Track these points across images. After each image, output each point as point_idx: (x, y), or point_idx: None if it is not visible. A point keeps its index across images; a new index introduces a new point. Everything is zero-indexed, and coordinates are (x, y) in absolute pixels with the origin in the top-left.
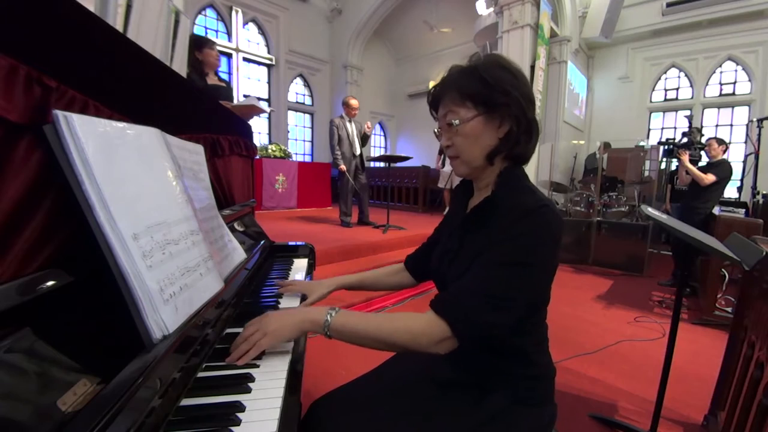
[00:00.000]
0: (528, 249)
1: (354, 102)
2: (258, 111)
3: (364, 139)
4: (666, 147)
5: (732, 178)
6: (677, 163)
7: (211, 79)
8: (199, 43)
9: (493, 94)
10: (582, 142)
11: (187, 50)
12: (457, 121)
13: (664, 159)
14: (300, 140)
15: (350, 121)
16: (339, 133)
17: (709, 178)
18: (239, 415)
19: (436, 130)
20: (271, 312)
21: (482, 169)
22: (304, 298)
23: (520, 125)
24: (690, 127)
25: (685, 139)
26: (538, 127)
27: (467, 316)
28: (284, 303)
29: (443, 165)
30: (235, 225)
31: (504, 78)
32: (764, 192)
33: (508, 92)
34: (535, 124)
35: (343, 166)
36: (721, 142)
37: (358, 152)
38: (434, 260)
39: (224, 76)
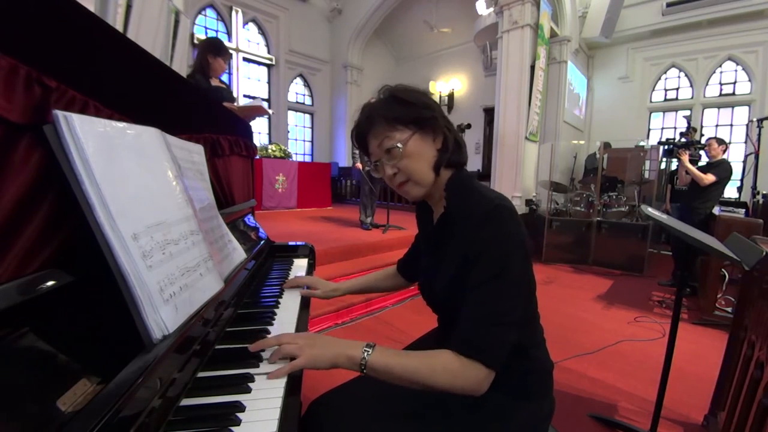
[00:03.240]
0: (504, 255)
1: None
2: (262, 112)
3: None
4: (666, 147)
5: (732, 178)
6: (677, 163)
7: (214, 81)
8: (217, 49)
9: (419, 111)
10: (582, 142)
11: (187, 50)
12: (399, 145)
13: (664, 159)
14: (300, 140)
15: None
16: None
17: (709, 178)
18: (239, 415)
19: (373, 167)
20: (313, 334)
21: (433, 185)
22: (304, 303)
23: (451, 132)
24: (688, 126)
25: (683, 139)
26: (461, 136)
27: (491, 345)
28: (284, 301)
29: None
30: (236, 225)
31: (419, 96)
32: (764, 192)
33: (430, 105)
34: (457, 133)
35: (359, 164)
36: (721, 142)
37: None
38: (420, 281)
39: (224, 78)
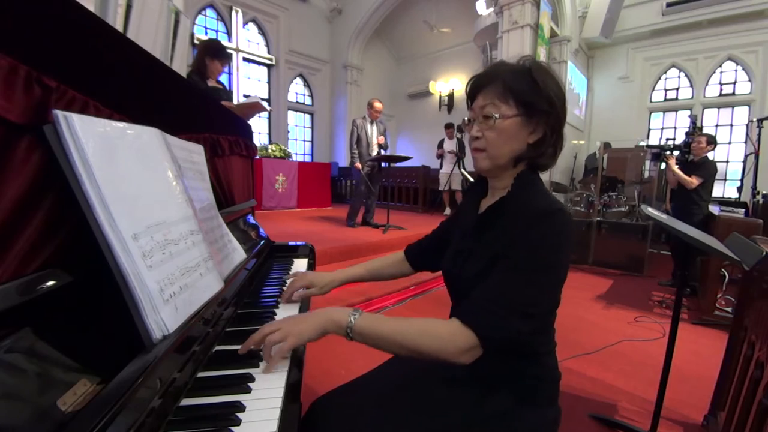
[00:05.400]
0: (546, 254)
1: (378, 105)
2: (260, 109)
3: (380, 147)
4: (654, 151)
5: (717, 176)
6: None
7: (211, 82)
8: (215, 52)
9: (538, 99)
10: (582, 142)
11: (187, 50)
12: (497, 116)
13: (653, 163)
14: (300, 140)
15: (372, 123)
16: (359, 133)
17: (694, 182)
18: (239, 415)
19: (466, 119)
20: (292, 315)
21: (503, 169)
22: (304, 302)
23: (552, 136)
24: (693, 126)
25: (689, 140)
26: (563, 143)
27: (495, 324)
28: (284, 303)
29: (441, 167)
30: (236, 225)
31: (551, 87)
32: (764, 192)
33: (553, 102)
34: (562, 139)
35: (359, 164)
36: (711, 140)
37: (374, 153)
38: (446, 262)
39: (224, 78)
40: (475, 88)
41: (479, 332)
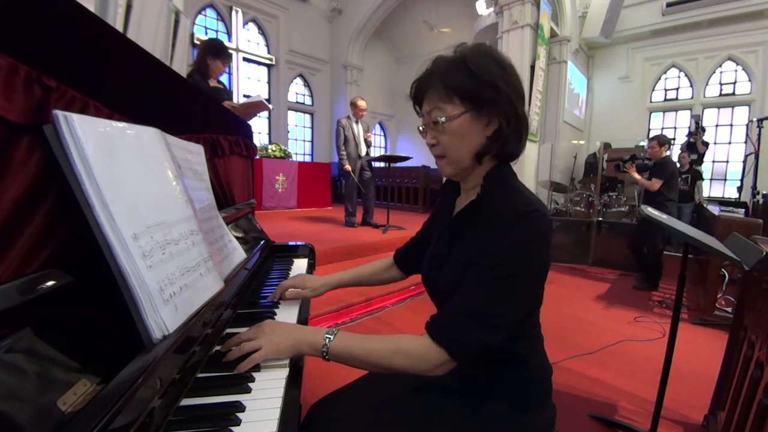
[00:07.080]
0: (519, 260)
1: (362, 103)
2: (262, 108)
3: (366, 144)
4: (615, 164)
5: (717, 176)
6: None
7: (212, 82)
8: (217, 51)
9: (482, 89)
10: (582, 142)
11: (187, 50)
12: (443, 119)
13: (617, 171)
14: (300, 140)
15: (357, 122)
16: (345, 134)
17: (654, 185)
18: (239, 415)
19: (420, 128)
20: (273, 323)
21: (470, 170)
22: (304, 302)
23: (510, 123)
24: (697, 126)
25: (691, 140)
26: (528, 123)
27: (462, 339)
28: (284, 303)
29: None
30: (236, 225)
31: (493, 71)
32: (764, 192)
33: (498, 87)
34: (524, 120)
35: (348, 166)
36: (663, 142)
37: (363, 153)
38: (424, 265)
39: (224, 78)
40: (418, 93)
41: (447, 348)
